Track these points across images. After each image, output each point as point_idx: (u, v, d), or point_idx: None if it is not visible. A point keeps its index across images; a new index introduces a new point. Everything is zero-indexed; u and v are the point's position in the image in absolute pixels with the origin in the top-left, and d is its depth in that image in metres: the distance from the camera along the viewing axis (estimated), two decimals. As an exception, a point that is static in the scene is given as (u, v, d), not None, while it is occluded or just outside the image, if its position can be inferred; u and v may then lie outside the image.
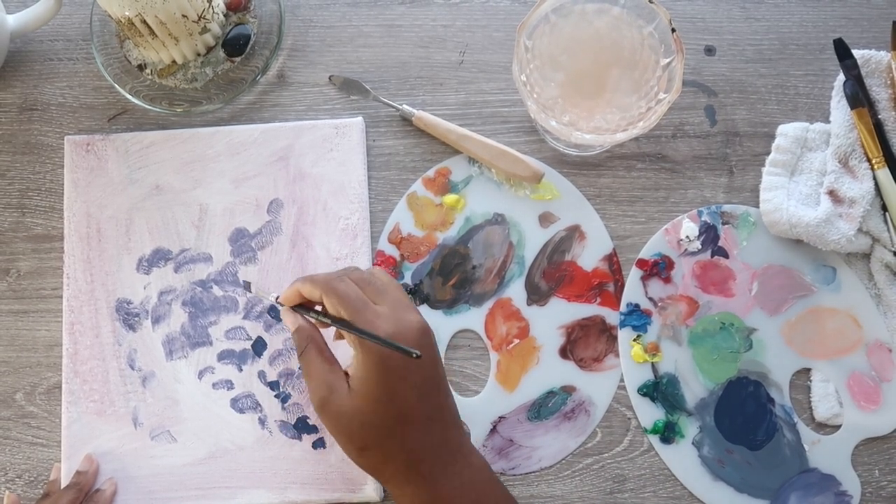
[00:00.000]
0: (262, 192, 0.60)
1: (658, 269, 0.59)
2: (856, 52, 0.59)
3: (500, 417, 0.57)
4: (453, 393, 0.58)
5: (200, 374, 0.57)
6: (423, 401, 0.46)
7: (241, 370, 0.57)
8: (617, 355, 0.58)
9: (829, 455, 0.56)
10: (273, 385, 0.57)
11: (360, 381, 0.45)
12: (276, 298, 0.51)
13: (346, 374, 0.47)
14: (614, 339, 0.58)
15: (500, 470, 0.57)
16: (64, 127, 0.63)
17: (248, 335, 0.58)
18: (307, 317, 0.49)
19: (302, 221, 0.59)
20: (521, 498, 0.56)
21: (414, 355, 0.43)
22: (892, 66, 0.59)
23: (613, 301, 0.59)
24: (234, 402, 0.57)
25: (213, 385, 0.57)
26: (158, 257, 0.59)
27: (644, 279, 0.59)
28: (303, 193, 0.59)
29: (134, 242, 0.59)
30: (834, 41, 0.60)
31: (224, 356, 0.58)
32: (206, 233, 0.59)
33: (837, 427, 0.57)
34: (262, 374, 0.57)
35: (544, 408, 0.57)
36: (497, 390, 0.58)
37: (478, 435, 0.57)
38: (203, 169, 0.60)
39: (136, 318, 0.58)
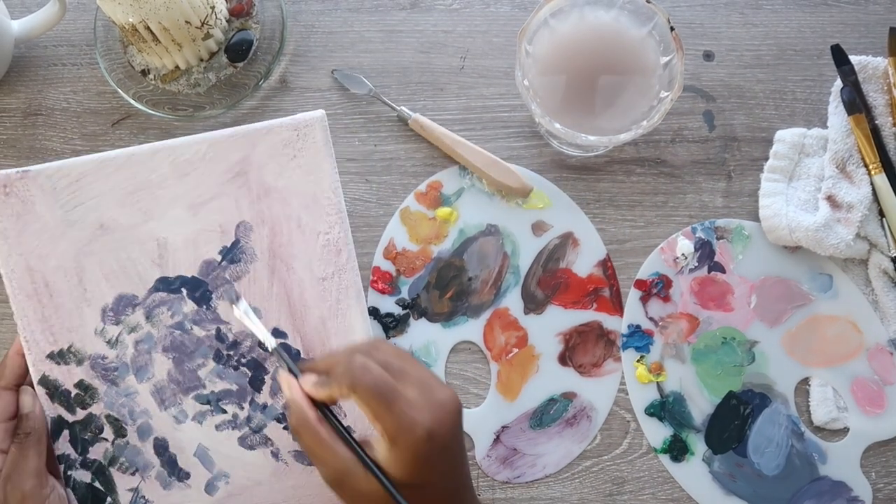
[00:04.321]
0: (224, 215, 0.52)
1: (656, 288, 0.59)
2: (853, 58, 0.60)
3: (503, 427, 0.58)
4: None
5: (199, 419, 0.53)
6: (451, 480, 0.44)
7: (242, 408, 0.53)
8: (616, 360, 0.58)
9: (838, 462, 0.56)
10: (280, 418, 0.53)
11: (393, 472, 0.42)
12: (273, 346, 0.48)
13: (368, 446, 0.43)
14: (612, 343, 0.59)
15: (506, 479, 0.57)
16: (68, 132, 0.63)
17: (243, 371, 0.53)
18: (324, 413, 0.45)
19: (277, 243, 0.52)
20: (520, 501, 0.57)
21: None
22: (889, 71, 0.59)
23: (609, 306, 0.59)
24: (243, 440, 0.53)
25: (217, 427, 0.53)
26: (124, 304, 0.52)
27: (643, 300, 0.59)
28: (271, 211, 0.52)
29: (91, 292, 0.52)
30: (831, 47, 0.60)
31: (222, 396, 0.53)
32: (172, 270, 0.52)
33: (838, 432, 0.57)
34: (265, 408, 0.53)
35: (546, 415, 0.58)
36: (498, 400, 0.58)
37: (481, 445, 0.57)
38: (151, 198, 0.52)
39: (116, 373, 0.52)
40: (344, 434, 0.43)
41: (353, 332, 0.53)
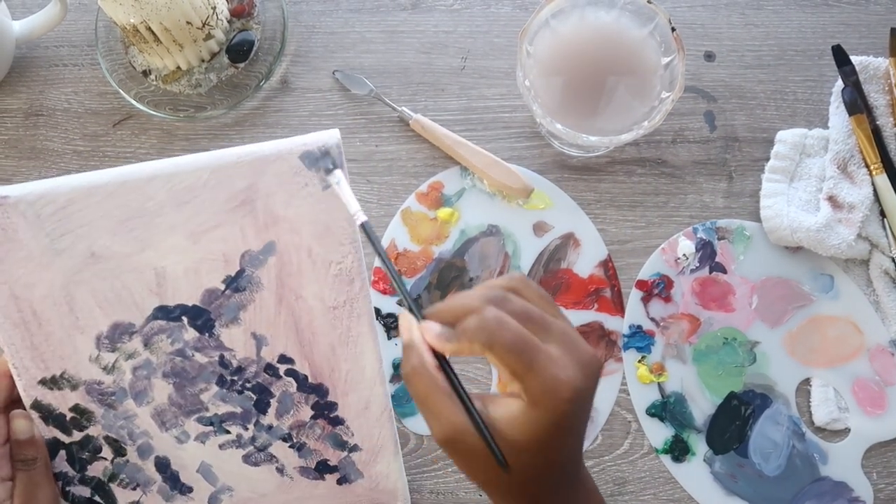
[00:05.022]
0: (228, 245, 0.48)
1: (657, 289, 0.59)
2: (854, 59, 0.60)
3: (503, 425, 0.58)
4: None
5: (202, 440, 0.52)
6: (578, 450, 0.40)
7: (246, 428, 0.52)
8: (617, 360, 0.58)
9: (839, 462, 0.56)
10: (286, 437, 0.52)
11: (523, 439, 0.37)
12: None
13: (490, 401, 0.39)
14: (613, 343, 0.59)
15: (502, 473, 0.57)
16: (69, 132, 0.63)
17: (248, 395, 0.52)
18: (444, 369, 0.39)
19: (285, 272, 0.49)
20: (521, 500, 0.57)
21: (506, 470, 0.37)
22: (891, 72, 0.59)
23: (611, 306, 0.59)
24: (247, 458, 0.52)
25: (220, 446, 0.52)
26: (120, 332, 0.50)
27: (644, 300, 0.59)
28: (280, 241, 0.49)
29: (84, 321, 0.49)
30: (832, 47, 0.60)
31: (225, 418, 0.52)
32: (171, 299, 0.49)
33: (839, 432, 0.57)
34: (271, 429, 0.52)
35: (546, 415, 0.58)
36: (498, 397, 0.58)
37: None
38: (147, 226, 0.48)
39: (114, 398, 0.50)
40: (460, 390, 0.39)
41: (364, 357, 0.51)
